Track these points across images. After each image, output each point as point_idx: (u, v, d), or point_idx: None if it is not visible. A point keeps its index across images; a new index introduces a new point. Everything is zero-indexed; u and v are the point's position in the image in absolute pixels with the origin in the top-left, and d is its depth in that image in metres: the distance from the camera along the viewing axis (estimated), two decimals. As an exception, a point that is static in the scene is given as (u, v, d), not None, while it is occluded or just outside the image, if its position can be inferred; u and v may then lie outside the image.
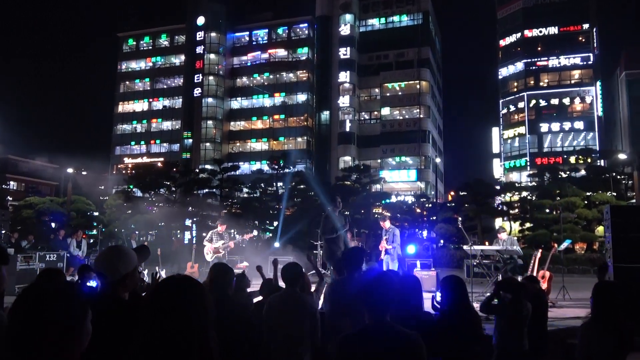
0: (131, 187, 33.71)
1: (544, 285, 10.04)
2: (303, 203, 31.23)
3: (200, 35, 58.88)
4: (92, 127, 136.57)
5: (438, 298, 6.04)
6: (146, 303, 1.72)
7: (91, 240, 24.44)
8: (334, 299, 4.43)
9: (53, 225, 28.43)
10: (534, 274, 10.24)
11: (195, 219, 31.97)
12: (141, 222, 27.32)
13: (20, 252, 13.57)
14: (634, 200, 26.13)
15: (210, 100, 58.30)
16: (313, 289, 5.44)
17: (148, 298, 1.73)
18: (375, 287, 2.42)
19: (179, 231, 35.26)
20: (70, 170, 35.48)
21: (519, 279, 9.46)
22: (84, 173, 47.19)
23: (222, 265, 4.33)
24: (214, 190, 34.76)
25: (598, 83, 53.70)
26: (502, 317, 4.77)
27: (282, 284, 4.79)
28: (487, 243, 23.09)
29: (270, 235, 30.07)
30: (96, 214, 31.28)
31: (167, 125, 61.67)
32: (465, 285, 4.02)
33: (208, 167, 41.31)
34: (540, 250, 10.77)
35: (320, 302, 5.92)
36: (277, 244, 19.04)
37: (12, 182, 61.39)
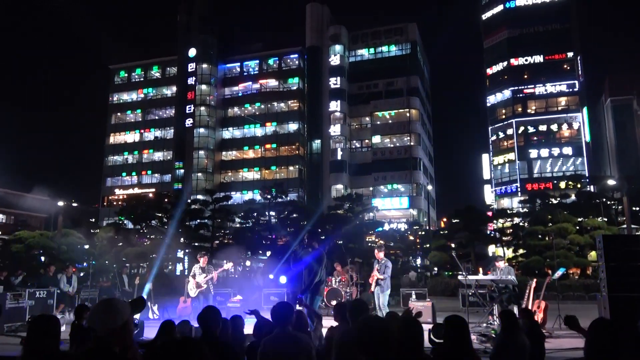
0: (122, 219, 33.44)
1: (540, 316, 10.01)
2: (296, 233, 31.06)
3: (191, 66, 59.46)
4: (84, 159, 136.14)
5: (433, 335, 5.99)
6: None
7: (82, 274, 24.10)
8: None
9: (43, 259, 28.05)
10: (530, 303, 10.21)
11: (187, 250, 31.69)
12: (132, 254, 27.01)
13: (11, 290, 13.34)
14: (624, 225, 26.27)
15: (201, 130, 58.48)
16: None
17: None
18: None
19: (170, 263, 34.89)
20: (60, 202, 35.18)
21: (515, 309, 9.44)
22: (74, 205, 46.78)
23: (206, 309, 4.39)
24: (206, 220, 34.58)
25: (584, 109, 54.58)
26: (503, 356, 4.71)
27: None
28: (480, 270, 23.05)
29: (262, 265, 29.80)
30: (87, 247, 30.90)
31: (158, 155, 61.63)
32: (468, 327, 3.94)
33: (200, 197, 41.14)
34: (535, 280, 10.75)
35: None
36: (271, 276, 18.82)
37: (0, 215, 60.66)
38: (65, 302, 14.17)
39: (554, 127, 54.31)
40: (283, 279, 17.51)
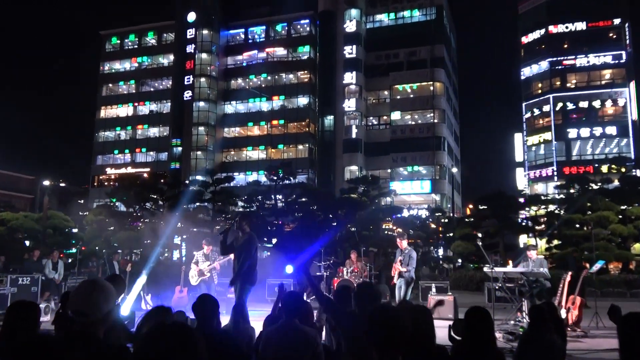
0: (114, 200, 33.72)
1: (574, 313, 9.96)
2: (305, 218, 31.16)
3: (190, 32, 59.29)
4: (72, 134, 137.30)
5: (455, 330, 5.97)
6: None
7: (69, 261, 24.44)
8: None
9: (27, 243, 28.46)
10: (564, 299, 10.15)
11: (184, 236, 31.93)
12: (125, 239, 27.28)
13: (-9, 276, 13.54)
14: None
15: (201, 104, 58.54)
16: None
17: (135, 355, 1.70)
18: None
19: (166, 250, 35.22)
20: (47, 182, 35.56)
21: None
22: (62, 185, 47.31)
23: (202, 297, 4.42)
24: (206, 204, 34.74)
25: (632, 84, 53.69)
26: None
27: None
28: (510, 263, 22.97)
29: (268, 253, 30.00)
30: (75, 230, 31.27)
31: (154, 132, 61.89)
32: (492, 321, 3.91)
33: (199, 178, 41.31)
34: (570, 273, 10.67)
35: (323, 333, 5.87)
36: (289, 269, 18.93)
37: (-18, 196, 61.52)
38: (51, 289, 14.37)
39: (597, 103, 53.54)
40: (289, 269, 17.66)
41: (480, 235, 29.77)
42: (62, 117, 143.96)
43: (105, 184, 57.55)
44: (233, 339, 4.86)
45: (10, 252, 23.92)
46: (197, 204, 34.40)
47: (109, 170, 61.05)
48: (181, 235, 32.40)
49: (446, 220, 37.58)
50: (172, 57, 61.74)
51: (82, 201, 56.75)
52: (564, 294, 10.21)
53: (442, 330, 5.96)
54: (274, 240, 31.04)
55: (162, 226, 29.30)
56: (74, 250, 28.67)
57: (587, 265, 12.53)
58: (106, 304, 2.46)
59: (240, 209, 35.55)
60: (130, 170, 57.73)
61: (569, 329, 9.39)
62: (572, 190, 30.21)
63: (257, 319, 6.75)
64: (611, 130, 52.78)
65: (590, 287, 15.75)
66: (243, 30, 61.54)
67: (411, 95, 56.39)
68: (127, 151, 61.94)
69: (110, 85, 64.94)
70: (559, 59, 55.28)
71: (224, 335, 4.58)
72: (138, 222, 31.12)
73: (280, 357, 4.10)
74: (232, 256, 13.61)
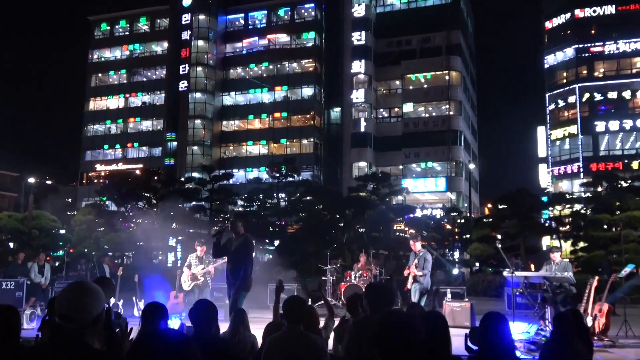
0: (104, 199, 33.87)
1: (601, 321, 9.93)
2: (309, 218, 31.20)
3: (186, 18, 59.34)
4: (59, 128, 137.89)
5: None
6: None
7: (56, 264, 24.57)
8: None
9: (11, 245, 28.64)
10: (590, 305, 10.13)
11: (180, 238, 32.03)
12: (115, 241, 27.41)
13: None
14: None
15: (198, 95, 58.61)
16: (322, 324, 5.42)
17: None
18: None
19: (160, 252, 35.34)
20: (32, 179, 35.75)
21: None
22: (48, 183, 47.56)
23: (200, 303, 4.49)
24: (203, 203, 34.83)
25: (665, 72, 53.37)
26: None
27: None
28: (532, 267, 22.93)
29: (270, 256, 30.08)
30: (62, 231, 31.43)
31: (147, 125, 62.06)
32: (510, 327, 3.93)
33: (196, 175, 41.47)
34: (597, 278, 10.64)
35: (331, 341, 5.89)
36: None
37: (-38, 194, 61.92)
38: (37, 295, 14.45)
39: (627, 94, 53.24)
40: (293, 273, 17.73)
41: (499, 236, 29.73)
42: (47, 109, 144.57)
43: (95, 181, 57.79)
44: (232, 346, 4.89)
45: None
46: (194, 203, 34.51)
47: (98, 167, 61.27)
48: (176, 236, 32.49)
49: (463, 221, 37.55)
50: (166, 44, 61.80)
51: (69, 200, 56.96)
52: (590, 300, 10.18)
53: (458, 339, 5.97)
54: (276, 242, 31.12)
55: (156, 227, 29.40)
56: (61, 252, 28.84)
57: (616, 269, 12.48)
58: (95, 307, 2.46)
59: (240, 209, 35.63)
60: (121, 166, 57.92)
61: (595, 337, 9.37)
62: (599, 189, 30.12)
63: (258, 326, 6.77)
64: (643, 123, 52.51)
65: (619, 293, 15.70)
66: (243, 15, 61.53)
67: (425, 86, 56.23)
68: (118, 146, 62.10)
69: (100, 75, 65.10)
70: (585, 45, 54.97)
71: (223, 343, 4.61)
72: (130, 222, 31.23)
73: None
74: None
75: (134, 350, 1.71)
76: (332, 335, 5.87)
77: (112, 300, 10.58)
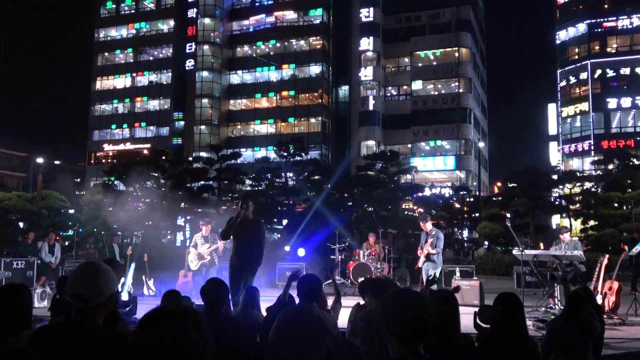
0: (112, 179, 34.03)
1: (611, 299, 9.97)
2: (318, 197, 31.27)
3: (192, -5, 59.00)
4: (66, 108, 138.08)
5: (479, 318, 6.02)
6: (132, 349, 1.72)
7: (66, 243, 24.84)
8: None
9: (21, 225, 28.92)
10: (600, 284, 10.16)
11: (188, 217, 32.24)
12: (124, 221, 27.59)
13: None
14: None
15: (205, 74, 58.47)
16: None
17: (133, 342, 1.73)
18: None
19: (169, 232, 35.60)
20: (40, 159, 35.94)
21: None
22: (57, 163, 47.77)
23: (212, 281, 4.52)
24: (211, 182, 34.96)
25: (680, 48, 52.67)
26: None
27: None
28: (541, 245, 22.94)
29: (279, 236, 30.22)
30: (71, 211, 31.69)
31: (154, 104, 62.03)
32: (523, 308, 3.95)
33: (203, 154, 41.55)
34: (607, 256, 10.65)
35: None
36: (287, 248, 19.16)
37: (-29, 174, 62.42)
38: (47, 274, 14.63)
39: (640, 70, 52.69)
40: (301, 252, 17.82)
41: (509, 215, 29.73)
42: (54, 89, 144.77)
43: (103, 161, 58.02)
44: (243, 325, 4.94)
45: (3, 235, 24.39)
46: (202, 182, 34.63)
47: (106, 147, 61.46)
48: (185, 216, 32.71)
49: (472, 200, 37.49)
50: (172, 22, 61.52)
51: (78, 180, 57.31)
52: (600, 278, 10.20)
53: (467, 317, 6.01)
54: (285, 222, 31.22)
55: (164, 206, 29.58)
56: (70, 232, 29.11)
57: (626, 247, 12.47)
58: (108, 288, 2.49)
59: (248, 188, 35.74)
60: (129, 146, 58.05)
61: (605, 315, 9.40)
62: (610, 166, 29.96)
63: (267, 304, 6.85)
64: (656, 99, 51.99)
65: (628, 272, 15.73)
66: (249, -9, 61.05)
67: (434, 63, 55.79)
68: (125, 126, 62.21)
69: (106, 54, 64.93)
70: (598, 20, 54.25)
71: (234, 322, 4.66)
72: (138, 202, 31.43)
73: (295, 341, 4.16)
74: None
75: (141, 329, 1.73)
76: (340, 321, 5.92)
77: (122, 280, 10.71)
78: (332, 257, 16.27)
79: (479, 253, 22.86)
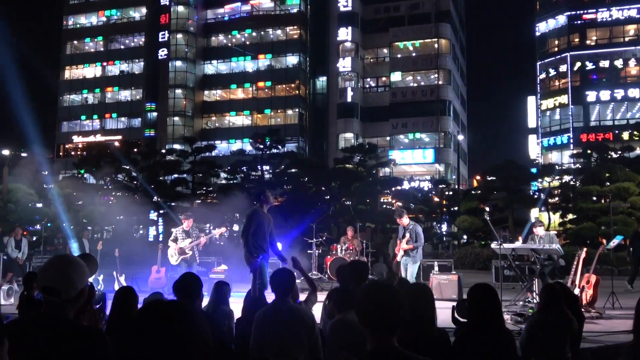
0: (82, 172, 33.63)
1: (589, 292, 10.14)
2: (295, 191, 31.26)
3: (165, -18, 58.37)
4: (33, 98, 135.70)
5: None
6: (128, 342, 1.70)
7: (33, 239, 24.49)
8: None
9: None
10: (577, 277, 10.32)
11: (161, 212, 31.98)
12: (95, 215, 27.30)
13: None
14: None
15: (178, 63, 57.98)
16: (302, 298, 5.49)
17: (130, 334, 1.72)
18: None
19: (141, 226, 35.29)
20: (6, 151, 35.33)
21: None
22: (23, 155, 46.96)
23: (186, 276, 4.56)
24: (185, 175, 34.72)
25: (658, 41, 53.49)
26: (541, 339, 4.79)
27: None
28: (520, 239, 23.24)
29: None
30: (39, 205, 31.19)
31: (125, 95, 61.33)
32: (499, 298, 4.00)
33: (177, 147, 41.18)
34: (585, 250, 10.81)
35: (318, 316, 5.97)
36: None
37: None
38: (14, 270, 14.44)
39: (619, 63, 53.40)
40: (278, 246, 17.79)
41: (487, 209, 29.98)
42: (21, 78, 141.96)
43: (72, 153, 57.26)
44: (215, 321, 4.96)
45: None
46: (175, 175, 34.38)
47: (75, 138, 60.64)
48: (157, 210, 32.44)
49: (451, 193, 37.79)
50: (144, 10, 60.84)
51: (46, 172, 56.45)
52: (579, 272, 10.36)
53: (444, 312, 6.08)
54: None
55: (136, 200, 29.32)
56: (38, 227, 28.69)
57: (604, 241, 12.68)
58: (80, 281, 2.47)
59: (223, 181, 35.58)
60: (99, 138, 57.34)
61: (582, 309, 9.57)
62: (589, 160, 30.37)
63: (238, 300, 6.87)
64: (634, 92, 52.69)
65: (606, 265, 16.00)
66: (224, -21, 60.58)
67: (413, 54, 55.98)
68: (95, 117, 61.45)
69: (75, 42, 63.98)
70: (578, 12, 54.82)
71: (203, 317, 4.67)
72: (109, 195, 31.11)
73: (276, 338, 4.19)
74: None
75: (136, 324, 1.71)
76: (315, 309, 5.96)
77: (93, 276, 10.61)
78: (309, 251, 16.30)
79: (425, 250, 22.77)
